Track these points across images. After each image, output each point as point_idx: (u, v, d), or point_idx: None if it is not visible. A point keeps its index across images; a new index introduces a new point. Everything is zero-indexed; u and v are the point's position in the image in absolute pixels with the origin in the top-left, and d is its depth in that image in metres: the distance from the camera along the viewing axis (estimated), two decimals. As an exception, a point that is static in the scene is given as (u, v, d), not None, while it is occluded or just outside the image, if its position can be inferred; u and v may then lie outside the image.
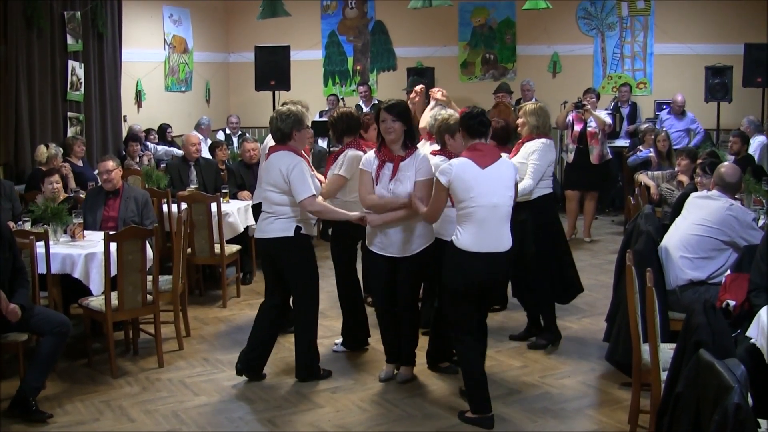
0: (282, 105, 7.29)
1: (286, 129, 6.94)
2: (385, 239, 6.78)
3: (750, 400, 3.61)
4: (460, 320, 6.33)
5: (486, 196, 6.09)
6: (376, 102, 15.61)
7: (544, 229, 7.82)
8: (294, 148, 6.94)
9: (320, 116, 14.97)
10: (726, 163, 7.85)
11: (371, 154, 6.86)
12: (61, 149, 10.79)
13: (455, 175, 6.10)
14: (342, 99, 16.25)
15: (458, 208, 6.19)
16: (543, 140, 7.79)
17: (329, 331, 8.37)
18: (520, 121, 7.98)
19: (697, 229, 7.01)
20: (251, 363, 7.25)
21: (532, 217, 7.71)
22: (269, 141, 7.53)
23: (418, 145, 7.09)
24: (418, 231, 6.73)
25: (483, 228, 6.10)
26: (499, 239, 6.18)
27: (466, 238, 6.14)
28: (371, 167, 6.77)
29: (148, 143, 13.92)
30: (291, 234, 6.91)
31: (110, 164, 8.81)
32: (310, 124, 7.43)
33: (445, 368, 7.38)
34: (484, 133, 6.29)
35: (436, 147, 7.17)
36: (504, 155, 6.48)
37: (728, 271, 6.68)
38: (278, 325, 7.41)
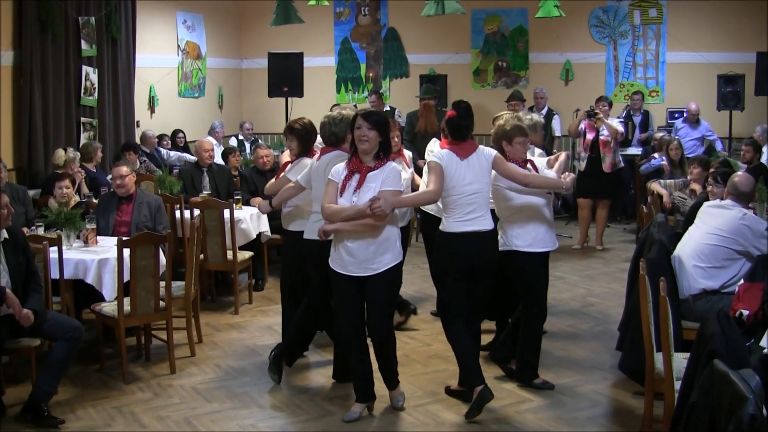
0: (331, 109, 7.27)
1: (340, 133, 6.99)
2: (348, 257, 6.40)
3: (765, 411, 3.59)
4: (451, 304, 6.72)
5: (468, 184, 6.57)
6: (388, 109, 15.62)
7: None
8: (347, 149, 6.88)
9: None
10: (740, 173, 7.84)
11: (342, 165, 6.54)
12: (78, 153, 10.82)
13: (445, 164, 6.57)
14: (355, 106, 16.24)
15: (444, 196, 6.61)
16: None
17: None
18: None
19: (710, 238, 7.00)
20: (288, 352, 7.35)
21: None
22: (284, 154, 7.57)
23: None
24: (383, 247, 6.38)
25: (466, 212, 6.57)
26: (481, 221, 6.62)
27: (452, 223, 6.61)
28: (339, 178, 6.46)
29: (161, 149, 13.96)
30: None
31: (124, 170, 8.83)
32: None
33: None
34: (465, 135, 6.76)
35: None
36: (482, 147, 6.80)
37: (741, 281, 6.66)
38: (316, 324, 7.53)
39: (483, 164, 6.63)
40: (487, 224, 6.62)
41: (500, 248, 6.99)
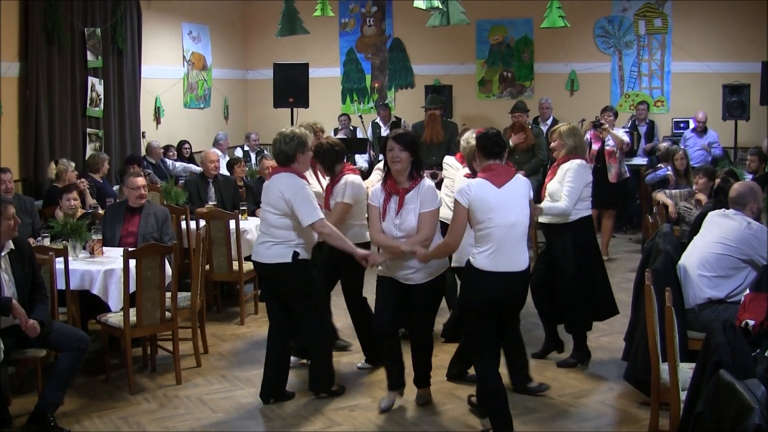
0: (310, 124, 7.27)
1: (290, 151, 6.89)
2: (395, 268, 6.63)
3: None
4: (479, 337, 6.25)
5: (504, 216, 6.03)
6: (395, 119, 15.64)
7: (583, 250, 7.78)
8: (297, 170, 6.91)
9: (335, 134, 14.93)
10: (740, 182, 7.85)
11: (378, 187, 6.71)
12: (72, 163, 10.81)
13: (474, 196, 6.04)
14: (360, 117, 16.26)
15: (476, 229, 6.10)
16: (578, 161, 7.76)
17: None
18: (555, 144, 7.94)
19: (715, 247, 6.99)
20: (274, 388, 7.22)
21: (572, 238, 7.70)
22: None
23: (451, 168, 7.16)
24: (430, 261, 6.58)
25: (501, 247, 6.01)
26: (516, 258, 6.09)
27: (483, 258, 6.06)
28: (378, 202, 6.62)
29: (167, 159, 13.98)
30: (289, 260, 6.84)
31: (141, 180, 8.84)
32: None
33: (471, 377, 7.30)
34: (499, 153, 6.25)
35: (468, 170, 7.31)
36: (521, 175, 6.40)
37: (747, 290, 6.66)
38: (288, 346, 7.40)
39: (523, 193, 6.21)
40: (522, 262, 6.13)
41: (455, 264, 7.17)
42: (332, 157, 7.68)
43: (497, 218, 6.02)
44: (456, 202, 6.13)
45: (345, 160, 7.84)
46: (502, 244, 6.02)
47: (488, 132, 6.33)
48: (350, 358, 8.17)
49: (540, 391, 7.20)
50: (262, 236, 7.02)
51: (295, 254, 6.84)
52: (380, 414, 6.87)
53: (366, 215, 7.47)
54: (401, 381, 7.00)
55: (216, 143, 15.26)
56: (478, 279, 6.10)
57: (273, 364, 7.21)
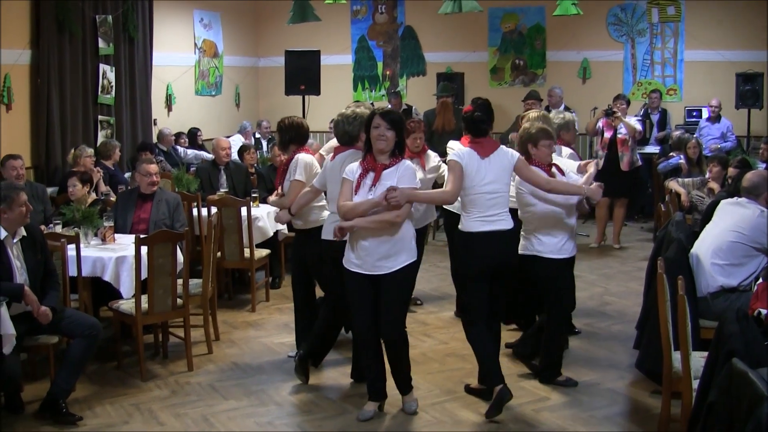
0: (346, 108, 7.22)
1: (353, 132, 6.93)
2: (363, 255, 6.33)
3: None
4: (473, 305, 6.59)
5: (488, 183, 6.47)
6: (406, 107, 15.61)
7: None
8: (361, 148, 6.81)
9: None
10: (753, 171, 7.82)
11: (355, 164, 6.52)
12: (90, 150, 10.80)
13: (465, 163, 6.46)
14: (372, 104, 16.22)
15: (463, 195, 6.50)
16: None
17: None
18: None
19: (728, 235, 6.97)
20: (316, 352, 7.32)
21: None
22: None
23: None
24: (398, 246, 6.33)
25: (486, 211, 6.47)
26: (501, 220, 6.52)
27: (471, 222, 6.50)
28: (353, 176, 6.41)
29: (178, 147, 13.98)
30: None
31: (153, 167, 8.86)
32: None
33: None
34: (483, 133, 6.69)
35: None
36: (504, 147, 6.75)
37: (760, 279, 6.63)
38: (339, 326, 7.48)
39: (504, 164, 6.53)
40: (506, 224, 6.51)
41: (522, 252, 7.00)
42: (290, 135, 7.62)
43: (481, 185, 6.45)
44: (452, 161, 6.50)
45: (304, 145, 7.70)
46: (486, 208, 6.48)
47: (473, 115, 6.75)
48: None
49: (568, 386, 7.18)
50: (334, 216, 6.78)
51: None
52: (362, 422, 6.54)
53: (324, 197, 7.31)
54: (383, 392, 6.66)
55: (243, 131, 15.43)
56: (470, 242, 6.53)
57: (330, 328, 7.33)
